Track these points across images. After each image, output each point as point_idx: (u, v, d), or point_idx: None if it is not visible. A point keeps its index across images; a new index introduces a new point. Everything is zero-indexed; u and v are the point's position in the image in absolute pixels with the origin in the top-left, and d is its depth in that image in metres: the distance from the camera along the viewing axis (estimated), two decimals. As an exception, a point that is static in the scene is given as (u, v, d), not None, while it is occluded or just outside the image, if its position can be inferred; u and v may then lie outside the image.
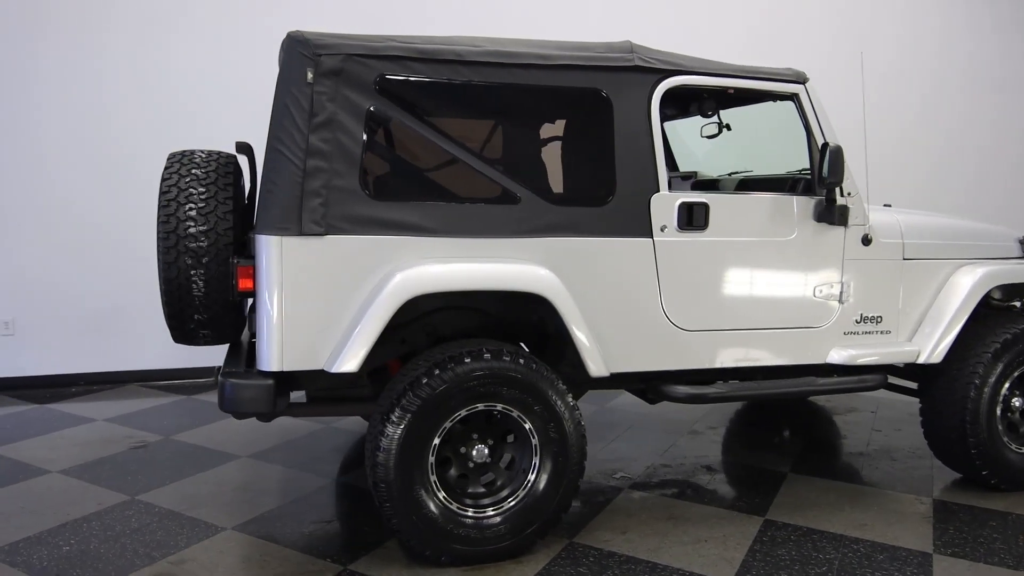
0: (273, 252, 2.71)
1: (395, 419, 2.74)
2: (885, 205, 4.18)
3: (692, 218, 3.18)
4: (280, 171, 2.73)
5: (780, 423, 4.92)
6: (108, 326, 5.55)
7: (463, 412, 2.83)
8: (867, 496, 3.61)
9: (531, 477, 2.94)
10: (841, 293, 3.44)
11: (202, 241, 2.90)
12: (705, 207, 3.19)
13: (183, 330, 3.04)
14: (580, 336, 2.97)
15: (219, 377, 2.80)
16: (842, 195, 3.37)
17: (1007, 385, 3.62)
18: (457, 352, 2.82)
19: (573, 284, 3.02)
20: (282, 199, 2.72)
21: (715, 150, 4.50)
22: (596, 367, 3.02)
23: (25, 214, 5.36)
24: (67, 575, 2.79)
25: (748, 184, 3.93)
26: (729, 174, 4.21)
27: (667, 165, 4.49)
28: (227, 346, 3.33)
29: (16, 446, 4.20)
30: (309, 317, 2.76)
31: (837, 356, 3.44)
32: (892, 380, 3.97)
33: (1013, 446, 3.66)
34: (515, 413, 2.89)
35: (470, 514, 2.86)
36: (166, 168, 3.04)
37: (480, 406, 2.85)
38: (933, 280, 3.63)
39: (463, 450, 2.93)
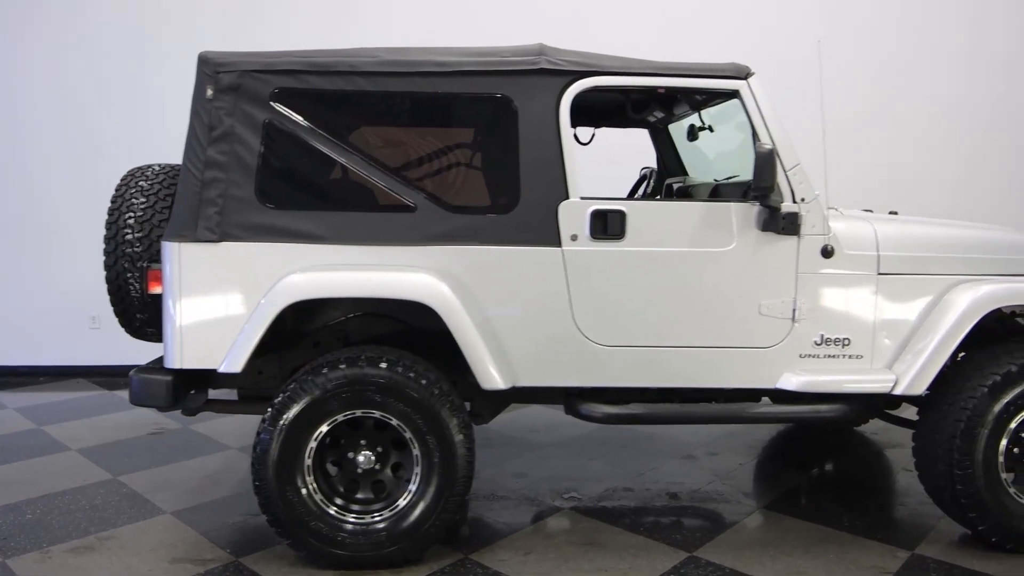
0: (173, 257, 2.91)
1: (272, 421, 2.83)
2: (891, 212, 3.69)
3: (607, 227, 2.99)
4: (183, 182, 2.94)
5: (805, 454, 4.45)
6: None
7: (340, 417, 2.86)
8: (833, 542, 3.18)
9: (412, 488, 2.91)
10: (794, 311, 3.07)
11: (137, 247, 3.16)
12: (621, 215, 2.99)
13: (131, 327, 3.33)
14: (468, 346, 2.89)
15: (130, 373, 3.05)
16: (794, 201, 3.03)
17: (1013, 426, 3.04)
18: (333, 358, 2.86)
19: (473, 293, 2.96)
20: (182, 208, 2.92)
21: (735, 154, 4.20)
22: (487, 379, 2.93)
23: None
24: (13, 540, 3.15)
25: (720, 190, 3.62)
26: (716, 180, 3.90)
27: (673, 171, 4.37)
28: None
29: (62, 425, 4.80)
30: (205, 319, 2.93)
31: (789, 382, 3.07)
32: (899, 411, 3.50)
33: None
34: (394, 422, 2.88)
35: (344, 517, 2.88)
36: (120, 180, 3.35)
37: (358, 412, 2.87)
38: (921, 298, 3.14)
39: (351, 455, 2.96)
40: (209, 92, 2.92)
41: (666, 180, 4.37)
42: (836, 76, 6.31)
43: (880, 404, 3.37)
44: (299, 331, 3.26)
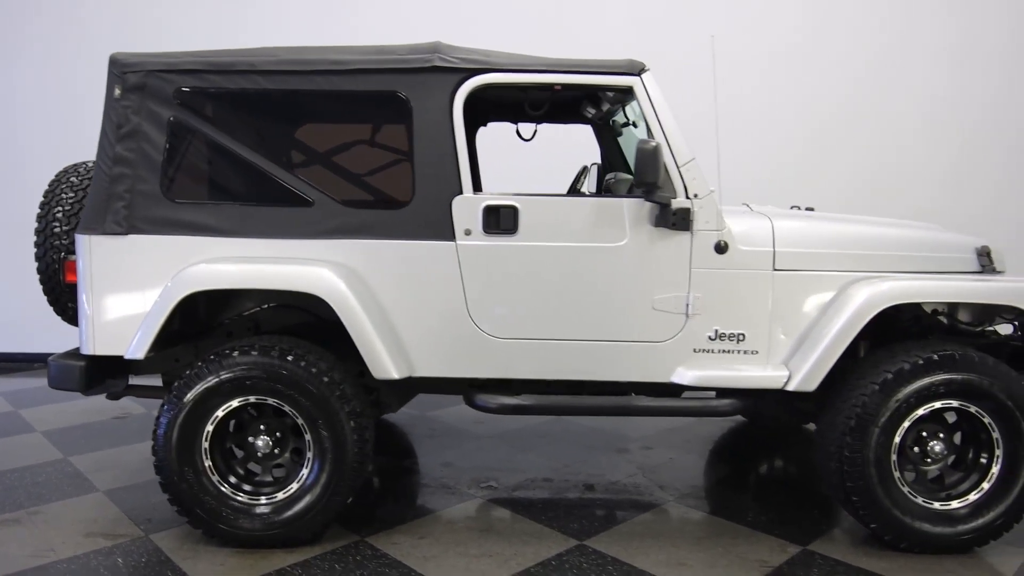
0: (84, 249, 3.08)
1: (171, 405, 2.98)
2: (807, 209, 3.67)
3: (499, 221, 3.06)
4: (95, 178, 3.10)
5: (744, 451, 4.45)
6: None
7: (234, 403, 2.99)
8: (728, 535, 3.20)
9: (303, 472, 3.03)
10: (688, 306, 3.09)
11: (64, 239, 3.34)
12: (513, 210, 3.06)
13: (66, 315, 3.52)
14: (360, 336, 2.99)
15: (49, 358, 3.23)
16: (687, 197, 3.05)
17: (906, 425, 3.01)
18: (228, 347, 2.99)
19: (370, 286, 3.06)
20: (93, 202, 3.08)
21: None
22: (380, 369, 3.02)
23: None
24: (-52, 512, 3.38)
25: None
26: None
27: (616, 166, 4.39)
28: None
29: (36, 409, 5.05)
30: (114, 308, 3.09)
31: (683, 376, 3.10)
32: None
33: (920, 499, 3.04)
34: (287, 408, 3.00)
35: (239, 498, 3.02)
36: (55, 175, 3.53)
37: (252, 399, 2.99)
38: (819, 295, 3.13)
39: (251, 439, 3.09)
40: (117, 92, 3.07)
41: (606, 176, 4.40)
42: (822, 72, 6.25)
43: (795, 400, 3.36)
44: (213, 321, 3.41)
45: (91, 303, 3.09)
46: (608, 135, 4.42)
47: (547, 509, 3.47)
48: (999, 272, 3.31)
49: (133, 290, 3.08)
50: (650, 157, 2.88)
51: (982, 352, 3.09)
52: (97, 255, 3.07)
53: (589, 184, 4.46)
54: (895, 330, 3.49)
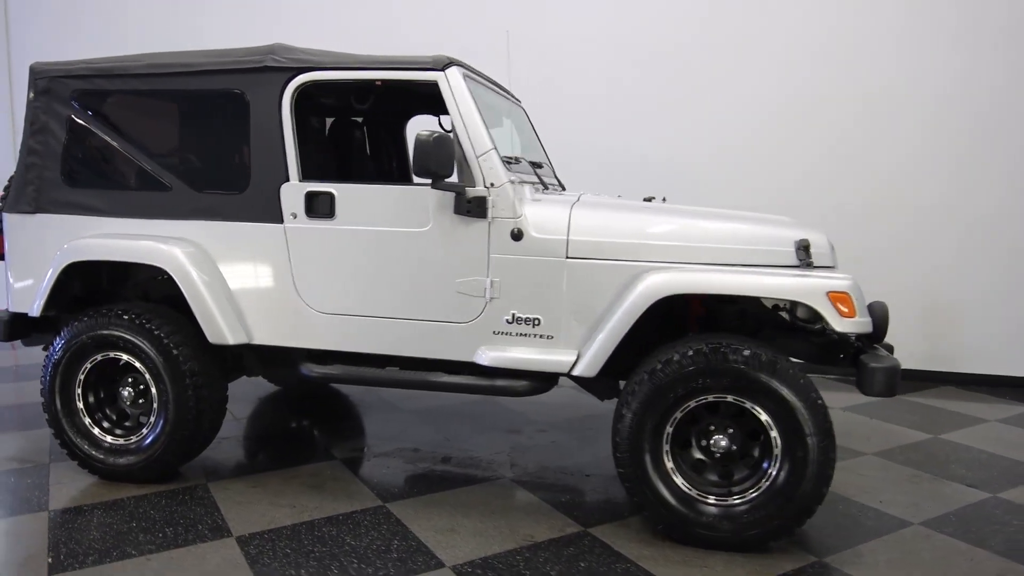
0: (6, 225, 3.78)
1: (54, 356, 3.58)
2: (646, 199, 3.65)
3: (319, 207, 3.37)
4: (17, 167, 3.77)
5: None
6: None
7: (98, 357, 3.54)
8: (521, 511, 3.32)
9: (151, 420, 3.53)
10: (487, 290, 3.25)
11: None
12: (330, 196, 3.36)
13: None
14: (197, 304, 3.43)
15: None
16: (485, 187, 3.20)
17: (679, 416, 2.99)
18: (93, 311, 3.54)
19: (215, 262, 3.51)
20: (15, 187, 3.76)
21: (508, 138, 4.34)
22: (215, 335, 3.45)
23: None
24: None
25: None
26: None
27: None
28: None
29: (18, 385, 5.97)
30: (25, 274, 3.75)
31: (482, 356, 3.26)
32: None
33: (695, 492, 3.00)
34: (138, 364, 3.51)
35: (103, 438, 3.58)
36: None
37: (111, 354, 3.53)
38: (610, 283, 3.16)
39: (120, 389, 3.64)
40: (31, 95, 3.72)
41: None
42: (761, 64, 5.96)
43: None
44: (122, 288, 4.00)
45: (11, 269, 3.77)
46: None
47: (387, 475, 3.74)
48: (826, 267, 3.16)
49: (38, 259, 3.72)
50: (429, 147, 3.06)
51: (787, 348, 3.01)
52: (13, 230, 3.75)
53: None
54: (724, 324, 3.46)
